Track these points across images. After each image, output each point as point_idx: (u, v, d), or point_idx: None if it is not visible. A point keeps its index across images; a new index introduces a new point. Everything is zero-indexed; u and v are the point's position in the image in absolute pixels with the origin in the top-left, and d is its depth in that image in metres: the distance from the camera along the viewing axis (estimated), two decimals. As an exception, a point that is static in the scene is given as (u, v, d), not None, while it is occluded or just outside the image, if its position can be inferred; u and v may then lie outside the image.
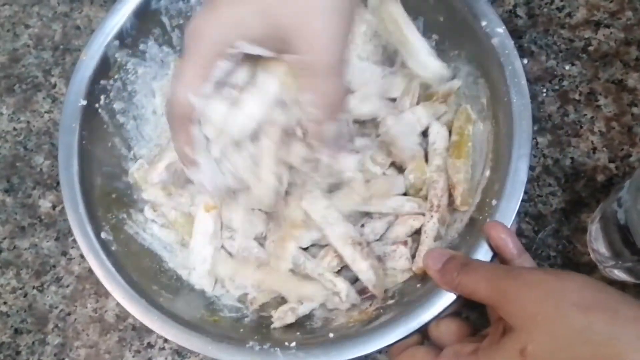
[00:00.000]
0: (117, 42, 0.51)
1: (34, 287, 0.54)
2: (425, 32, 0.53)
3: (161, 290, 0.46)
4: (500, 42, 0.46)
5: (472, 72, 0.50)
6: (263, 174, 0.43)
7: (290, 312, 0.45)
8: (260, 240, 0.50)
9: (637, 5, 0.56)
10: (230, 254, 0.50)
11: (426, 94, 0.52)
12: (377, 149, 0.49)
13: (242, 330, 0.45)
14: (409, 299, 0.43)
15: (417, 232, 0.48)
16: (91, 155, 0.49)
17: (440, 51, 0.52)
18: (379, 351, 0.40)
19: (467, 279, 0.37)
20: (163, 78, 0.55)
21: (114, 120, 0.52)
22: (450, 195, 0.48)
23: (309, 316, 0.47)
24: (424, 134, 0.51)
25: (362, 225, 0.48)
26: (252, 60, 0.41)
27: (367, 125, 0.50)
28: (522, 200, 0.42)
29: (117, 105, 0.52)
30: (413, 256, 0.47)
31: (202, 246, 0.48)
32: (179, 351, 0.51)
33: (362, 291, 0.47)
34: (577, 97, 0.54)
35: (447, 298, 0.39)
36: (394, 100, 0.52)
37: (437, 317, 0.39)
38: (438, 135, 0.50)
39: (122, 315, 0.52)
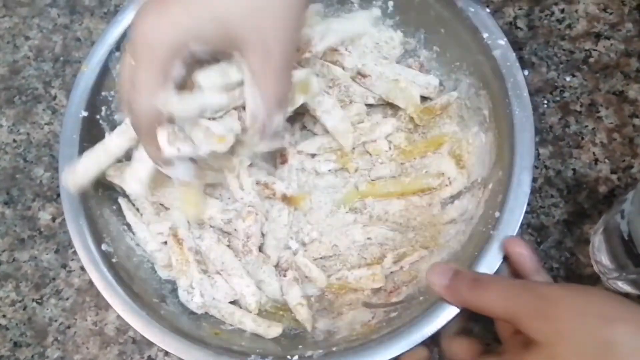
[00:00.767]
0: (117, 54, 0.51)
1: (33, 300, 0.53)
2: (427, 45, 0.53)
3: (162, 303, 0.46)
4: (502, 54, 0.46)
5: (474, 84, 0.50)
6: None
7: None
8: None
9: (637, 17, 0.56)
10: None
11: (425, 108, 0.52)
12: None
13: (243, 343, 0.45)
14: (412, 311, 0.43)
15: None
16: (92, 167, 0.48)
17: (442, 63, 0.52)
18: (382, 364, 0.39)
19: (480, 294, 0.37)
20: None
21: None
22: None
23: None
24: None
25: None
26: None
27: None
28: (525, 212, 0.42)
29: (118, 117, 0.52)
30: None
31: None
32: (180, 364, 0.50)
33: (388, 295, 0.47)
34: (578, 108, 0.54)
35: (450, 311, 0.39)
36: None
37: (441, 329, 0.39)
38: None
39: (123, 328, 0.51)
